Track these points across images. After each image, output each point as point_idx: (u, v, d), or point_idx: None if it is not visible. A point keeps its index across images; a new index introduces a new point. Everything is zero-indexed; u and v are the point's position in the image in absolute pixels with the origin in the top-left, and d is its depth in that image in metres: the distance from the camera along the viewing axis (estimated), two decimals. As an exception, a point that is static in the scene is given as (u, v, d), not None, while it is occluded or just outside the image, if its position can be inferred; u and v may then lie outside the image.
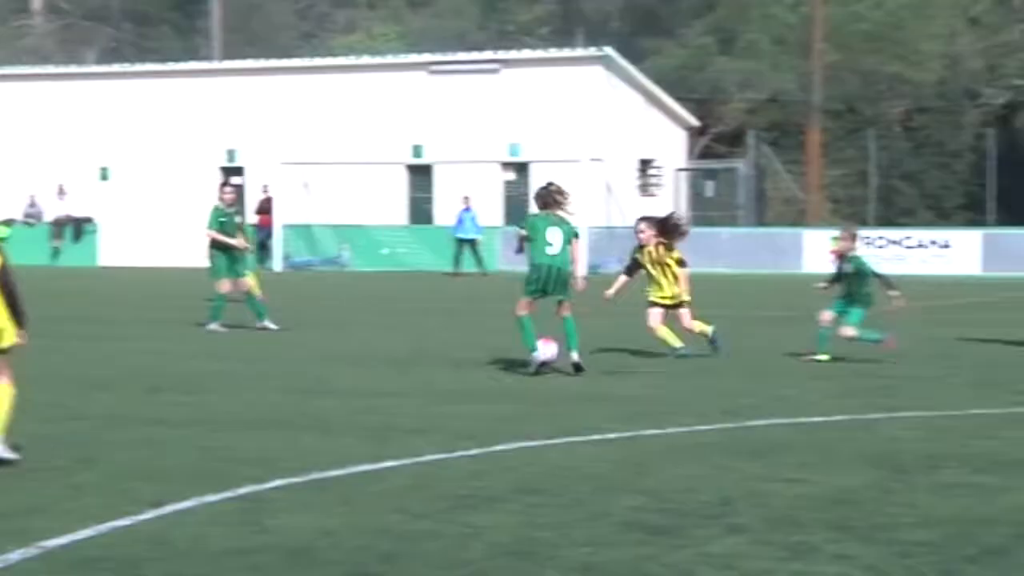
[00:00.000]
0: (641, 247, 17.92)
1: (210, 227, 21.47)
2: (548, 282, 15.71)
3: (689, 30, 58.13)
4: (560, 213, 16.06)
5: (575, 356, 15.63)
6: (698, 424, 12.17)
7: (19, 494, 9.22)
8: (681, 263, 17.84)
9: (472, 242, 38.14)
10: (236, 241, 21.48)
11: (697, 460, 10.40)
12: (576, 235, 16.16)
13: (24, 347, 10.56)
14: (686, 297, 17.81)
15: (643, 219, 18.36)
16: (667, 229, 17.89)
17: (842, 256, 17.92)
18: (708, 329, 17.89)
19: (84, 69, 48.13)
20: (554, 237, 15.78)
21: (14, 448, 10.20)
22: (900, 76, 53.60)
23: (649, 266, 17.80)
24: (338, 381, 15.18)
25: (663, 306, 17.73)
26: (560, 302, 15.82)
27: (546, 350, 15.57)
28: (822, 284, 18.09)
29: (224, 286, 21.17)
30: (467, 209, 38.51)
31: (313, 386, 14.77)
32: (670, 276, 17.74)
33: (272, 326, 21.09)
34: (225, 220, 21.63)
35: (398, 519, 8.50)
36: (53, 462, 10.34)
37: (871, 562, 7.50)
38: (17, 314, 10.47)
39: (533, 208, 16.57)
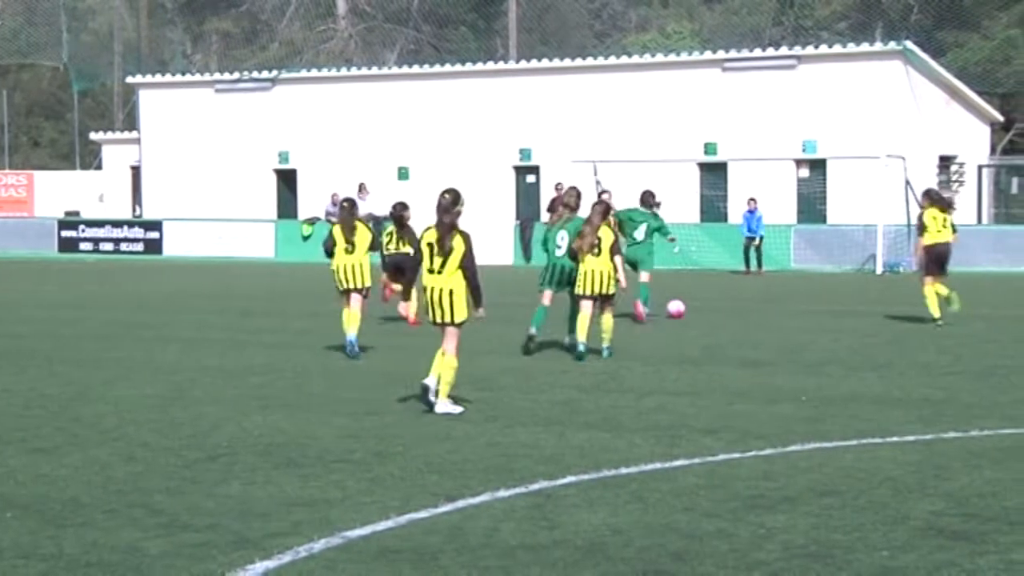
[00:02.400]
0: None
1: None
2: None
3: (994, 22, 56.29)
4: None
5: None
6: (1002, 427, 11.78)
7: (322, 486, 9.51)
8: None
9: (756, 240, 37.71)
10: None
11: (1001, 465, 10.07)
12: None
13: (483, 320, 13.01)
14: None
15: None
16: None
17: None
18: None
19: (384, 71, 49.36)
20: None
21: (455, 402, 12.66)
22: None
23: None
24: (630, 379, 15.20)
25: None
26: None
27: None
28: None
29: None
30: (752, 211, 38.12)
31: (604, 383, 14.83)
32: None
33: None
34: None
35: (689, 518, 8.47)
36: (353, 455, 10.64)
37: None
38: (475, 293, 12.81)
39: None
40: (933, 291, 21.62)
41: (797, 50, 43.03)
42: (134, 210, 51.44)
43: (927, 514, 8.52)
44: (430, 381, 12.78)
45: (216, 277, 35.89)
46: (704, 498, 9.02)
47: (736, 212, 41.09)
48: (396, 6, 70.45)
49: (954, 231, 22.19)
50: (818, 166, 41.27)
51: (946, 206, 22.27)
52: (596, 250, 17.23)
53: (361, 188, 45.45)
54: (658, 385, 14.62)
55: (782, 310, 24.70)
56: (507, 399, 13.68)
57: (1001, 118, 47.93)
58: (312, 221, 46.09)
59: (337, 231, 18.37)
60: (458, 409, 12.74)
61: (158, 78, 51.26)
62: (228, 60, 67.50)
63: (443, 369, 12.72)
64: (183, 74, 53.77)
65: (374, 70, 49.49)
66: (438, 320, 12.83)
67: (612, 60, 45.26)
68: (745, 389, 14.30)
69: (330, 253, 18.35)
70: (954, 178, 43.69)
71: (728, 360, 16.93)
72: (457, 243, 12.74)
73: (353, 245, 18.26)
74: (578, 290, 17.44)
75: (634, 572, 7.32)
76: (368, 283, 18.30)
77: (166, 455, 10.67)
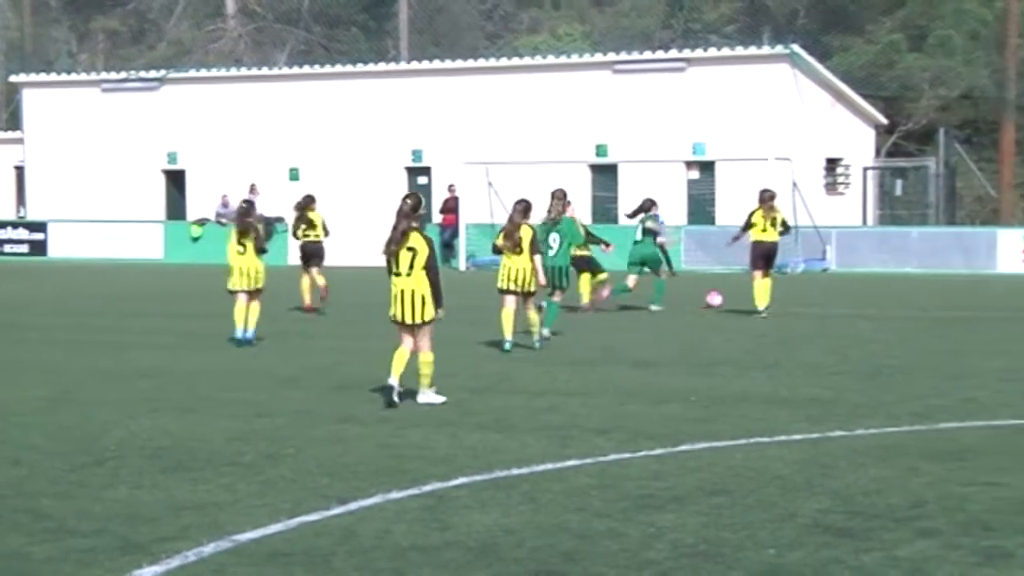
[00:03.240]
0: None
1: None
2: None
3: (878, 26, 57.13)
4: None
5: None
6: (886, 426, 11.97)
7: (212, 489, 9.44)
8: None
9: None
10: None
11: (886, 462, 10.22)
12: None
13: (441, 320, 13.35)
14: None
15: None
16: None
17: None
18: None
19: (275, 71, 49.06)
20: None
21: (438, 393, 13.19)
22: (1099, 71, 52.11)
23: None
24: (522, 380, 15.23)
25: None
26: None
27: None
28: None
29: None
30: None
31: (497, 384, 14.85)
32: None
33: None
34: None
35: (580, 518, 8.51)
36: (243, 458, 10.57)
37: (1067, 570, 7.30)
38: (436, 294, 13.21)
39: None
40: (760, 285, 23.32)
41: (686, 53, 43.40)
42: (18, 211, 50.64)
43: (814, 512, 8.63)
44: (393, 381, 13.09)
45: (103, 279, 35.46)
46: (595, 498, 9.07)
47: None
48: (286, 6, 70.02)
49: (786, 229, 24.04)
50: (707, 168, 41.65)
51: (771, 208, 23.76)
52: (518, 248, 17.82)
53: (252, 189, 45.11)
54: (550, 386, 14.67)
55: (673, 311, 24.87)
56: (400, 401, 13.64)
57: (885, 121, 48.66)
58: (202, 222, 45.71)
59: (233, 233, 19.20)
60: (441, 399, 13.31)
61: (43, 77, 50.52)
62: (115, 59, 66.74)
63: (421, 365, 13.26)
64: (68, 73, 53.07)
65: (264, 70, 49.16)
66: (408, 320, 13.26)
67: (503, 62, 45.36)
68: (636, 389, 14.39)
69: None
70: (839, 180, 44.29)
71: (620, 361, 17.03)
72: (420, 246, 13.26)
73: (245, 247, 19.00)
74: (500, 285, 18.12)
75: (526, 572, 7.35)
76: (260, 284, 19.14)
77: (52, 459, 10.52)
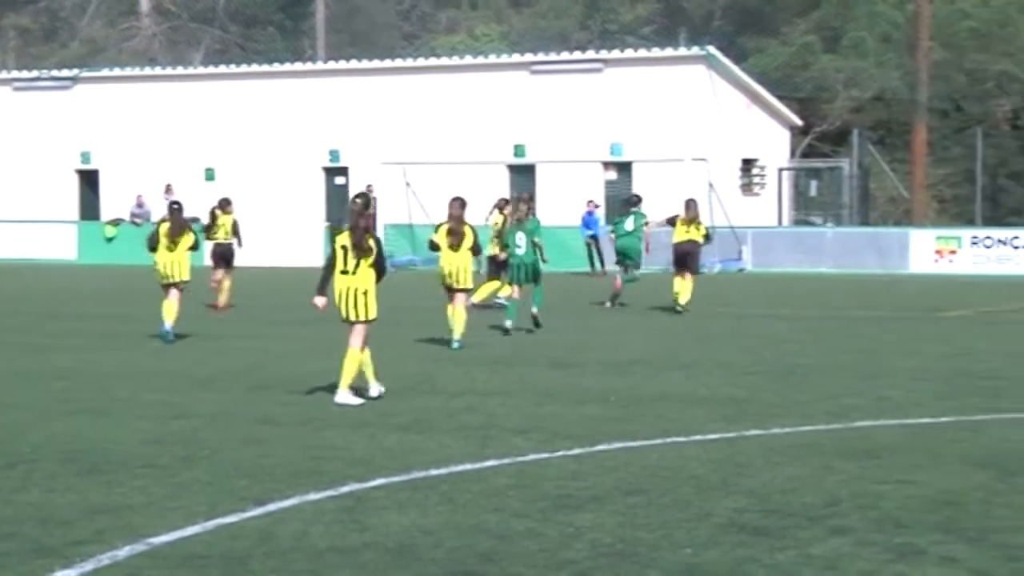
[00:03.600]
0: None
1: None
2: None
3: (793, 28, 57.65)
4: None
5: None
6: (802, 425, 12.08)
7: (127, 492, 9.36)
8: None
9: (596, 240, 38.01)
10: None
11: (801, 461, 10.32)
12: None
13: None
14: None
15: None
16: None
17: None
18: None
19: (190, 71, 48.70)
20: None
21: (357, 394, 13.29)
22: (1007, 74, 52.80)
23: None
24: (442, 380, 15.23)
25: None
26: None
27: None
28: None
29: None
30: (590, 213, 38.47)
31: (417, 385, 14.83)
32: None
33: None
34: None
35: (499, 518, 8.52)
36: (159, 460, 10.48)
37: (977, 565, 7.40)
38: (379, 277, 13.54)
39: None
40: (679, 284, 24.30)
41: (603, 54, 43.57)
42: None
43: (729, 511, 8.69)
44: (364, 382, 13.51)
45: (15, 280, 35.04)
46: (514, 498, 9.08)
47: (545, 214, 41.46)
48: (202, 5, 69.55)
49: (707, 238, 25.09)
50: (624, 168, 41.81)
51: (693, 219, 24.77)
52: (456, 247, 18.50)
53: (167, 189, 44.76)
54: (469, 386, 14.67)
55: (592, 310, 24.96)
56: (318, 402, 13.60)
57: (800, 122, 49.08)
58: (116, 222, 45.28)
59: (163, 229, 19.84)
60: (358, 401, 13.32)
61: (-46, 75, 49.84)
62: (26, 58, 65.94)
63: (348, 361, 13.37)
64: (-20, 71, 52.37)
65: (179, 70, 48.80)
66: (352, 318, 13.53)
67: (421, 62, 45.30)
68: (555, 390, 14.43)
69: (153, 249, 19.90)
70: (755, 181, 44.63)
71: (538, 361, 17.06)
72: (372, 245, 13.50)
73: (176, 244, 19.73)
74: (441, 280, 18.80)
75: (444, 573, 7.35)
76: (187, 278, 19.89)
77: (-36, 463, 10.38)
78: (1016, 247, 38.36)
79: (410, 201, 42.12)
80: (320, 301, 13.71)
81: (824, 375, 15.62)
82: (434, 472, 9.96)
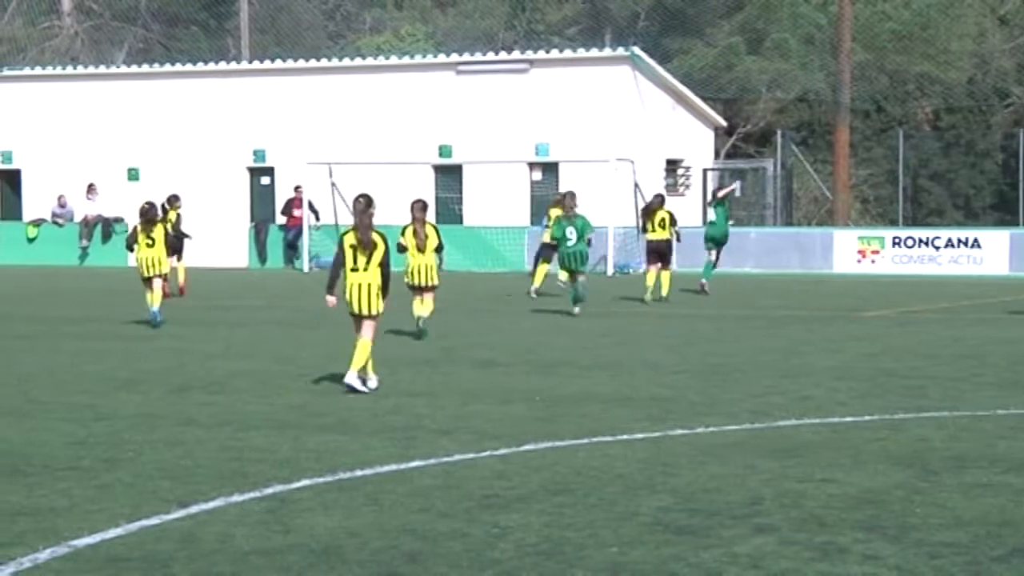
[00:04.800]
0: None
1: None
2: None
3: (717, 30, 57.95)
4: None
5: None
6: (726, 424, 12.15)
7: (48, 493, 9.27)
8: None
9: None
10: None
11: (724, 460, 10.38)
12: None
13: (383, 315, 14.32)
14: None
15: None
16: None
17: None
18: None
19: (113, 70, 48.25)
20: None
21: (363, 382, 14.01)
22: (929, 75, 53.40)
23: None
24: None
25: None
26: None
27: None
28: None
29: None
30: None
31: (339, 386, 14.79)
32: None
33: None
34: None
35: (424, 519, 8.51)
36: (81, 462, 10.39)
37: (899, 563, 7.48)
38: (386, 288, 14.22)
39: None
40: (652, 277, 26.71)
41: (529, 54, 43.60)
42: None
43: (655, 510, 8.73)
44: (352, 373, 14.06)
45: (-65, 281, 34.58)
46: (439, 499, 9.07)
47: (471, 214, 41.52)
48: (124, 4, 68.98)
49: (677, 237, 27.84)
50: (550, 169, 41.87)
51: (656, 208, 27.69)
52: (422, 247, 19.63)
53: (90, 188, 44.38)
54: (394, 386, 14.65)
55: (517, 311, 24.99)
56: (241, 403, 13.54)
57: (724, 123, 49.38)
58: (38, 223, 44.82)
59: (140, 228, 22.05)
60: (366, 388, 14.08)
61: None
62: (-54, 56, 65.11)
63: (361, 349, 14.06)
64: (-102, 70, 51.64)
65: (101, 69, 48.36)
66: (363, 312, 14.16)
67: (346, 62, 45.15)
68: (480, 390, 14.43)
69: (131, 247, 22.37)
70: (680, 181, 44.84)
71: (463, 361, 17.07)
72: (379, 242, 14.14)
73: (154, 240, 21.94)
74: (408, 281, 19.78)
75: (369, 574, 7.33)
76: (166, 270, 22.57)
77: None
78: (937, 247, 38.80)
79: (336, 201, 41.97)
80: (331, 300, 14.40)
81: (747, 375, 15.72)
82: (359, 473, 9.93)
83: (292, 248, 42.40)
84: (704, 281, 28.97)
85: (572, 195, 24.53)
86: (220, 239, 43.16)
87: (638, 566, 7.44)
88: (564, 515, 8.59)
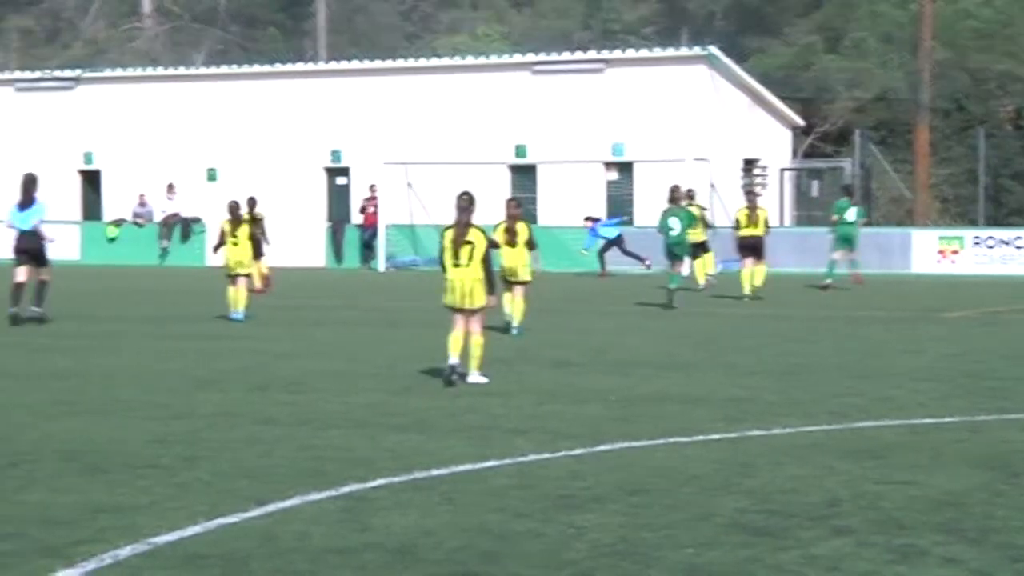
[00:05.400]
0: None
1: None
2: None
3: (794, 29, 57.64)
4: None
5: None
6: (804, 425, 12.06)
7: (129, 491, 9.36)
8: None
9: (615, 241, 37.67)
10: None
11: (803, 461, 10.31)
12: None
13: (492, 307, 15.03)
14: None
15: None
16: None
17: None
18: None
19: (192, 71, 48.70)
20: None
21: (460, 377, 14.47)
22: (1010, 74, 52.79)
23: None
24: (440, 381, 15.20)
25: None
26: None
27: None
28: None
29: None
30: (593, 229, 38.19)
31: (415, 385, 14.83)
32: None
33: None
34: None
35: (500, 519, 8.51)
36: (161, 460, 10.48)
37: (980, 566, 7.39)
38: (490, 282, 14.74)
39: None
40: (747, 273, 27.49)
41: (605, 54, 43.54)
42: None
43: (732, 511, 8.68)
44: (454, 361, 14.49)
45: (18, 280, 34.98)
46: (515, 498, 9.07)
47: (546, 214, 41.50)
48: (203, 6, 69.61)
49: (766, 227, 28.37)
50: (626, 169, 41.80)
51: (754, 206, 28.57)
52: (514, 242, 20.16)
53: (170, 188, 44.81)
54: (469, 386, 14.66)
55: (591, 311, 24.96)
56: (318, 402, 13.60)
57: (802, 122, 49.07)
58: (118, 223, 45.30)
59: (226, 227, 22.93)
60: (486, 379, 14.63)
61: (-44, 76, 49.86)
62: (29, 58, 65.96)
63: (473, 347, 14.66)
64: (-18, 72, 52.41)
65: (181, 70, 48.80)
66: (466, 306, 14.63)
67: (423, 62, 45.30)
68: (555, 389, 14.42)
69: (219, 247, 23.22)
70: (756, 181, 44.60)
71: (538, 360, 17.06)
72: (478, 238, 14.64)
73: (238, 239, 22.76)
74: (500, 275, 19.74)
75: (445, 574, 7.34)
76: (250, 269, 23.50)
77: (-35, 463, 10.38)
78: (1019, 247, 38.34)
79: (411, 201, 42.11)
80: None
81: (826, 375, 15.61)
82: (435, 472, 9.95)
83: (368, 248, 42.56)
84: (829, 280, 29.98)
85: (676, 188, 26.32)
86: (297, 239, 43.42)
87: (714, 567, 7.40)
88: (640, 516, 8.56)
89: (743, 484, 9.50)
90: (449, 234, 14.76)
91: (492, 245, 19.58)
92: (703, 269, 31.31)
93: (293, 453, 10.73)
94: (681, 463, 10.26)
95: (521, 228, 20.19)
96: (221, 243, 23.04)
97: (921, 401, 13.54)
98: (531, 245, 20.36)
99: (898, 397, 13.82)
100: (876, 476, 9.74)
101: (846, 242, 30.29)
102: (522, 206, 20.81)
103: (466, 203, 14.73)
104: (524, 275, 20.29)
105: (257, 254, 27.68)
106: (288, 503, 8.95)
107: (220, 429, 11.94)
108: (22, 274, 21.78)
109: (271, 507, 8.83)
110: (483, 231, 14.80)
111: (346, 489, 9.36)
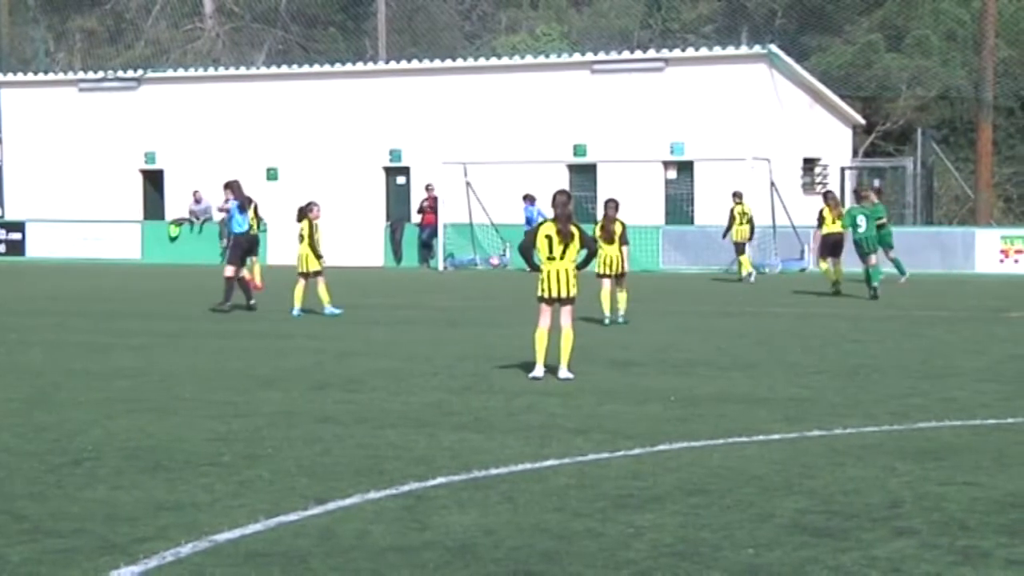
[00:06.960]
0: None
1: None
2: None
3: (855, 27, 57.24)
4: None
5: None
6: (865, 425, 11.99)
7: (190, 489, 9.42)
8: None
9: None
10: None
11: (864, 462, 10.25)
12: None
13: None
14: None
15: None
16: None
17: None
18: None
19: (253, 71, 48.94)
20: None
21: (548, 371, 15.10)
22: (1075, 72, 52.31)
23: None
24: (500, 380, 15.23)
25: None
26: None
27: None
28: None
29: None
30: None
31: (474, 384, 14.84)
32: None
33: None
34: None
35: (559, 518, 8.51)
36: (222, 458, 10.55)
37: (1044, 569, 7.32)
38: (588, 261, 16.12)
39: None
40: (831, 269, 28.61)
41: (664, 53, 43.42)
42: (-4, 211, 50.47)
43: (792, 512, 8.64)
44: (539, 373, 15.13)
45: (81, 279, 35.36)
46: (574, 498, 9.07)
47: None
48: (264, 6, 69.93)
49: (844, 225, 28.47)
50: (685, 168, 41.68)
51: (835, 205, 29.43)
52: (612, 239, 21.68)
53: (226, 187, 45.00)
54: (528, 386, 14.67)
55: (651, 311, 24.90)
56: (377, 401, 13.65)
57: (863, 121, 48.76)
58: (180, 222, 45.59)
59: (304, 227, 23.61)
60: (572, 376, 15.10)
61: (20, 76, 50.34)
62: (92, 59, 66.51)
63: (564, 342, 15.20)
64: (46, 72, 52.89)
65: (242, 70, 49.07)
66: (562, 295, 15.28)
67: (482, 61, 45.33)
68: (614, 389, 14.40)
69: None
70: (817, 180, 44.37)
71: (598, 360, 17.03)
72: (576, 233, 15.31)
73: (302, 237, 23.58)
74: (598, 270, 21.53)
75: (504, 573, 7.34)
76: (315, 267, 23.61)
77: (29, 460, 10.49)
78: (1082, 247, 37.89)
79: (470, 200, 42.17)
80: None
81: (887, 375, 15.50)
82: (494, 471, 9.96)
83: (427, 247, 42.64)
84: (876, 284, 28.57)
85: (862, 186, 29.37)
86: (356, 239, 43.56)
87: (775, 568, 7.36)
88: (699, 516, 8.54)
89: (804, 485, 9.46)
90: (549, 228, 15.32)
91: (593, 242, 19.89)
92: (746, 267, 33.51)
93: (353, 451, 10.77)
94: (741, 463, 10.22)
95: (617, 226, 21.85)
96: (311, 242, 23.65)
97: (984, 402, 13.43)
98: (625, 241, 21.89)
99: (960, 398, 13.71)
100: (938, 477, 9.66)
101: (879, 245, 29.54)
102: (619, 207, 22.24)
103: (565, 200, 15.46)
104: (620, 268, 21.81)
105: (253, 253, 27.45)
106: (348, 501, 8.98)
107: (280, 427, 12.00)
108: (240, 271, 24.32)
109: (331, 505, 8.87)
110: (580, 227, 15.48)
111: (406, 488, 9.39)
